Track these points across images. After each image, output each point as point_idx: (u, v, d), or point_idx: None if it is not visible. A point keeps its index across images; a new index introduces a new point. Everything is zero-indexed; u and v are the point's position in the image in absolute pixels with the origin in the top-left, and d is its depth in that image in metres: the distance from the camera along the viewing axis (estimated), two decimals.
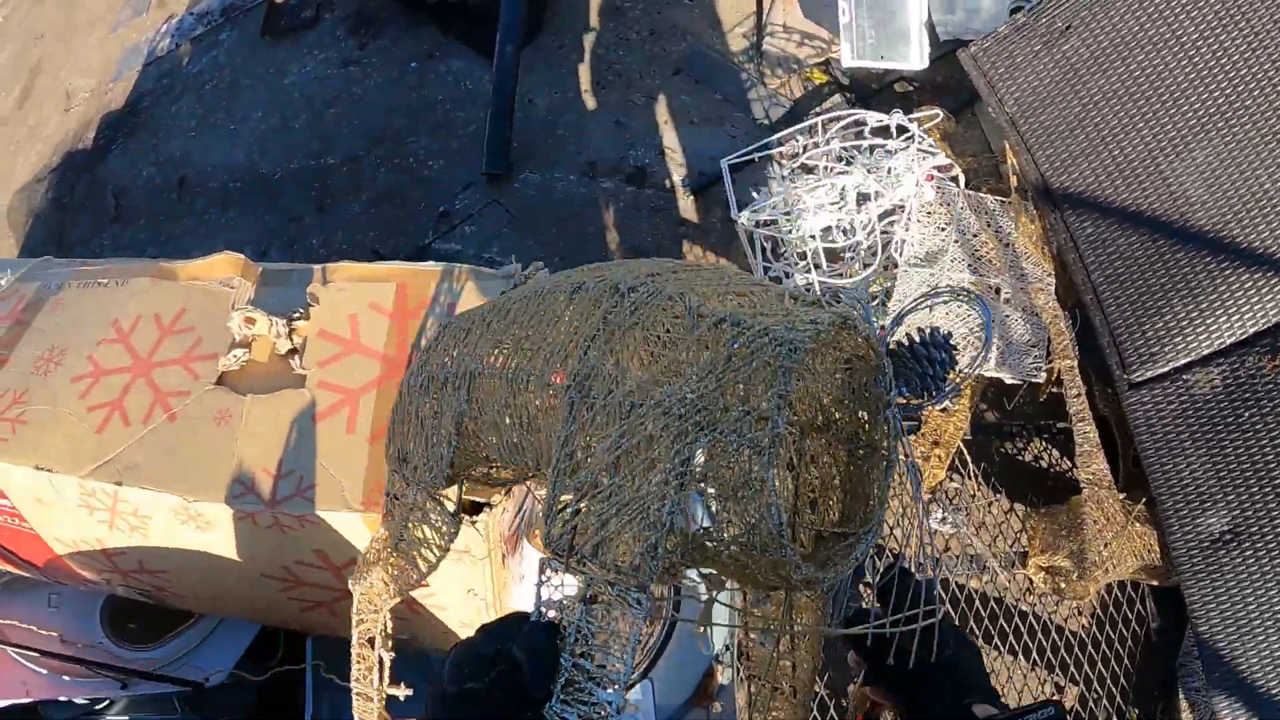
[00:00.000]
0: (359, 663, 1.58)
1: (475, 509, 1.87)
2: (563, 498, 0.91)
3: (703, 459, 0.82)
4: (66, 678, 2.83)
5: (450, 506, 1.25)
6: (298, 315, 2.16)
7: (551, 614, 0.95)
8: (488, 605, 2.16)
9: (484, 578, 2.06)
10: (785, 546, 0.81)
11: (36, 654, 2.75)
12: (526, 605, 2.25)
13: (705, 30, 5.33)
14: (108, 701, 2.93)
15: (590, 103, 5.08)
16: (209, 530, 2.01)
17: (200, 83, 6.20)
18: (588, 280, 0.97)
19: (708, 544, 0.86)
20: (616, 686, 0.85)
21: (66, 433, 2.11)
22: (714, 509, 0.86)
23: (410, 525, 1.32)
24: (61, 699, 2.85)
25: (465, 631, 2.24)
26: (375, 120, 5.37)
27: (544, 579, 0.92)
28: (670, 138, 4.87)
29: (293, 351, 2.15)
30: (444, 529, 1.27)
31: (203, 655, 2.91)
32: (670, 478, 0.81)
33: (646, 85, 5.12)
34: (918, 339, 1.07)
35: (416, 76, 5.48)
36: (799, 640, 1.33)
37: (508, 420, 0.96)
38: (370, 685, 1.58)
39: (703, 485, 0.85)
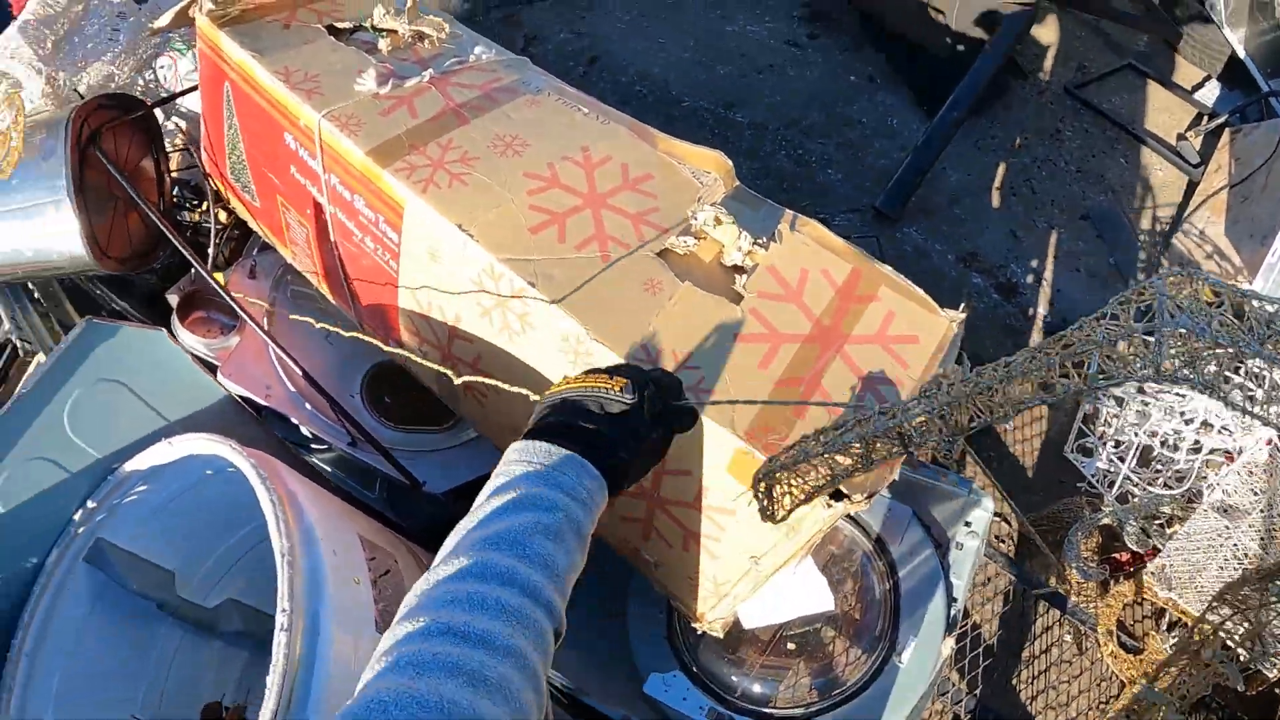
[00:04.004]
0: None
1: (837, 496, 1.85)
2: None
3: None
4: (308, 406, 2.94)
5: None
6: (760, 241, 2.19)
7: None
8: (752, 578, 2.15)
9: (775, 555, 2.05)
10: None
11: (298, 370, 2.86)
12: (772, 601, 2.27)
13: (1126, 194, 5.22)
14: (326, 447, 3.01)
15: (995, 201, 5.04)
16: (575, 369, 2.04)
17: None
18: None
19: None
20: None
21: (502, 214, 2.16)
22: None
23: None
24: (291, 420, 2.94)
25: (707, 585, 2.24)
26: (795, 106, 5.43)
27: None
28: (1050, 272, 4.78)
29: (738, 269, 2.17)
30: None
31: (432, 461, 2.98)
32: None
33: (1051, 214, 5.05)
34: None
35: (850, 90, 5.51)
36: None
37: None
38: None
39: None
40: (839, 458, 1.66)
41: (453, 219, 2.13)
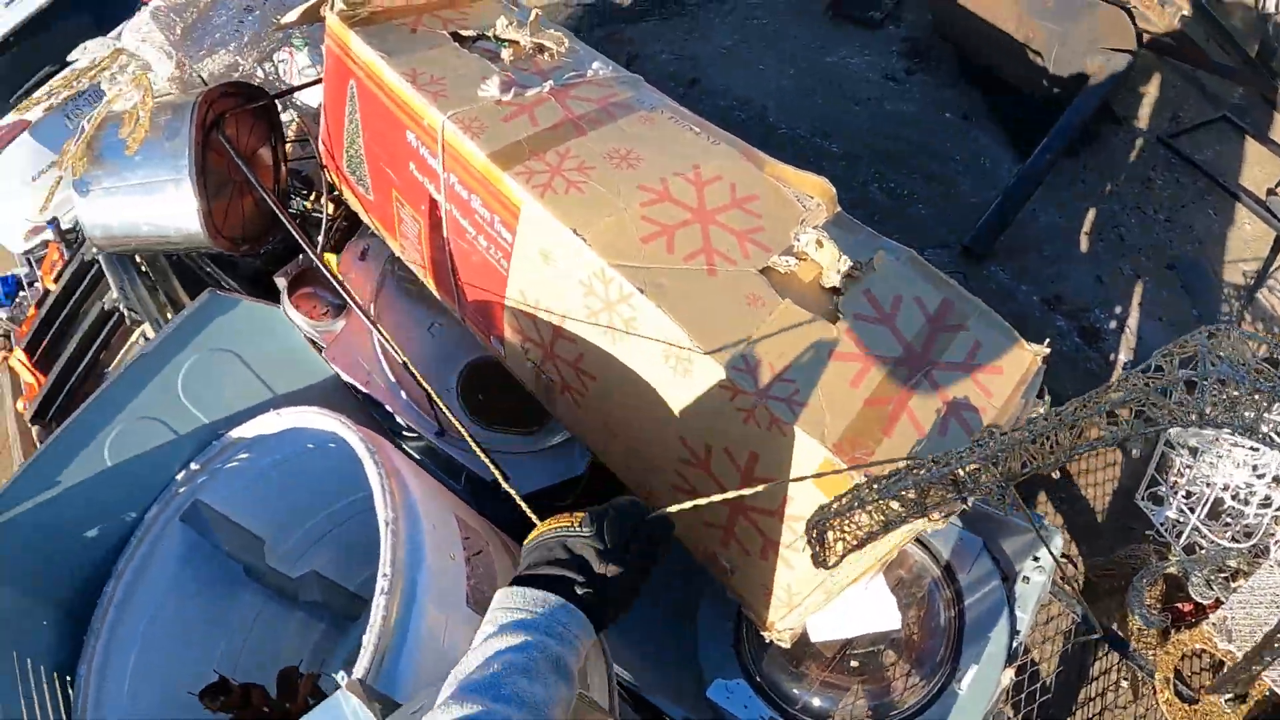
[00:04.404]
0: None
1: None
2: None
3: None
4: (404, 394, 3.04)
5: None
6: (857, 265, 2.28)
7: None
8: (825, 589, 2.22)
9: (851, 568, 2.12)
10: None
11: (399, 362, 2.93)
12: (841, 615, 2.32)
13: (1211, 244, 5.22)
14: (415, 436, 3.10)
15: (1082, 245, 5.07)
16: (681, 375, 2.12)
17: (751, 14, 6.47)
18: None
19: None
20: None
21: (615, 222, 2.26)
22: None
23: None
24: (386, 407, 3.03)
25: (780, 594, 2.31)
26: (888, 139, 5.50)
27: None
28: (1134, 319, 4.80)
29: (836, 291, 2.26)
30: None
31: (516, 463, 3.04)
32: None
33: (1137, 262, 5.07)
34: None
35: (944, 126, 5.57)
36: None
37: None
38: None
39: None
40: (893, 504, 1.72)
41: (568, 223, 2.23)
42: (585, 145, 2.47)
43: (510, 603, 1.52)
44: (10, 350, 4.11)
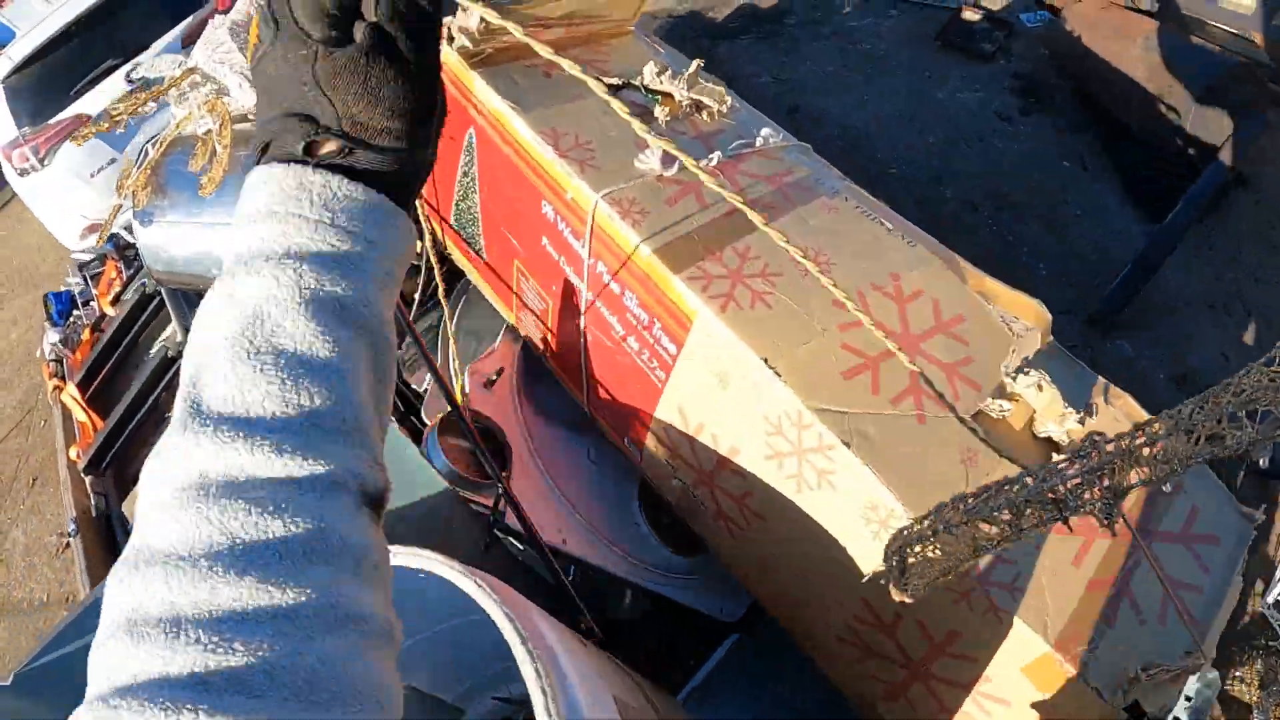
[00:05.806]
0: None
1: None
2: None
3: None
4: (594, 535, 2.73)
5: None
6: (1080, 415, 2.01)
7: None
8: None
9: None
10: None
11: (580, 517, 2.69)
12: None
13: None
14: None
15: (1208, 316, 4.75)
16: (877, 540, 1.87)
17: (854, 38, 6.19)
18: None
19: None
20: None
21: (813, 351, 1.97)
22: None
23: None
24: (589, 560, 2.69)
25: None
26: (1003, 181, 5.18)
27: None
28: None
29: (1051, 443, 1.99)
30: None
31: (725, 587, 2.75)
32: None
33: (1263, 334, 4.75)
34: None
35: (1061, 174, 5.26)
36: None
37: None
38: None
39: None
40: (984, 526, 1.46)
41: (758, 350, 1.94)
42: (767, 242, 2.16)
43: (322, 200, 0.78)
44: (64, 382, 3.92)
